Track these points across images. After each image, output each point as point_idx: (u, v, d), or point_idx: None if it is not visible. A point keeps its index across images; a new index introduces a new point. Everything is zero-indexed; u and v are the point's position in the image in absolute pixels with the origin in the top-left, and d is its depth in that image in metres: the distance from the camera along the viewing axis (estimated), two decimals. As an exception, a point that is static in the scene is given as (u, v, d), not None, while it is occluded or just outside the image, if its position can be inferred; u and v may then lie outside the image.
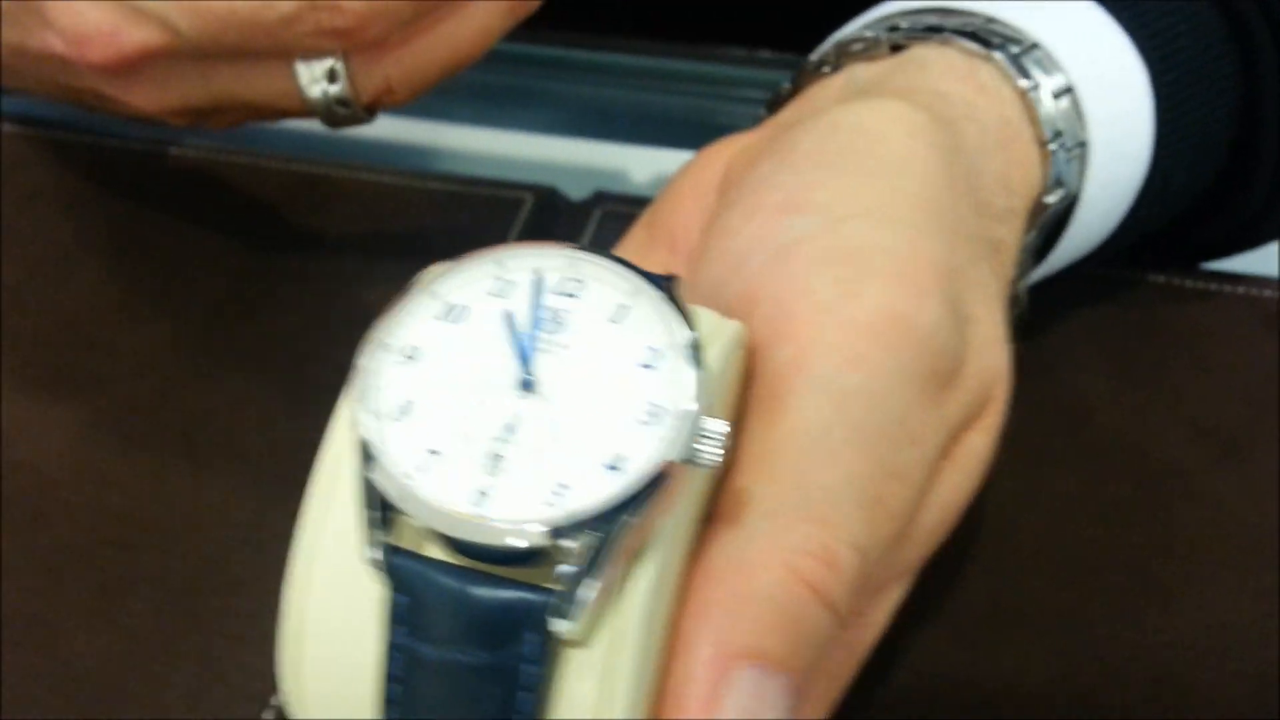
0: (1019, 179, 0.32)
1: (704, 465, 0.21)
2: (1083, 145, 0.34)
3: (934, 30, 0.34)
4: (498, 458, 0.22)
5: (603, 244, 0.46)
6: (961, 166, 0.29)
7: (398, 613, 0.22)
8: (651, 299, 0.23)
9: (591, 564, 0.21)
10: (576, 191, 0.50)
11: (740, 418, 0.26)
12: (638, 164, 0.55)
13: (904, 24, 0.34)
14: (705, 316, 0.24)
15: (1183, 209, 0.41)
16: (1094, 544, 0.36)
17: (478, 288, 0.24)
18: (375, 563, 0.22)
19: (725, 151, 0.34)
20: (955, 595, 0.35)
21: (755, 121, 0.37)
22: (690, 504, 0.24)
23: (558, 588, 0.21)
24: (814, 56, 0.37)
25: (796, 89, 0.37)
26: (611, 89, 0.58)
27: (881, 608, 0.28)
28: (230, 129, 0.40)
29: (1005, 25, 0.34)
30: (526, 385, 0.22)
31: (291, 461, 0.40)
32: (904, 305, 0.25)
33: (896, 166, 0.27)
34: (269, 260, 0.46)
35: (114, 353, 0.43)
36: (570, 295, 0.23)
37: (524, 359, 0.22)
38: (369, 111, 0.37)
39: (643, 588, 0.22)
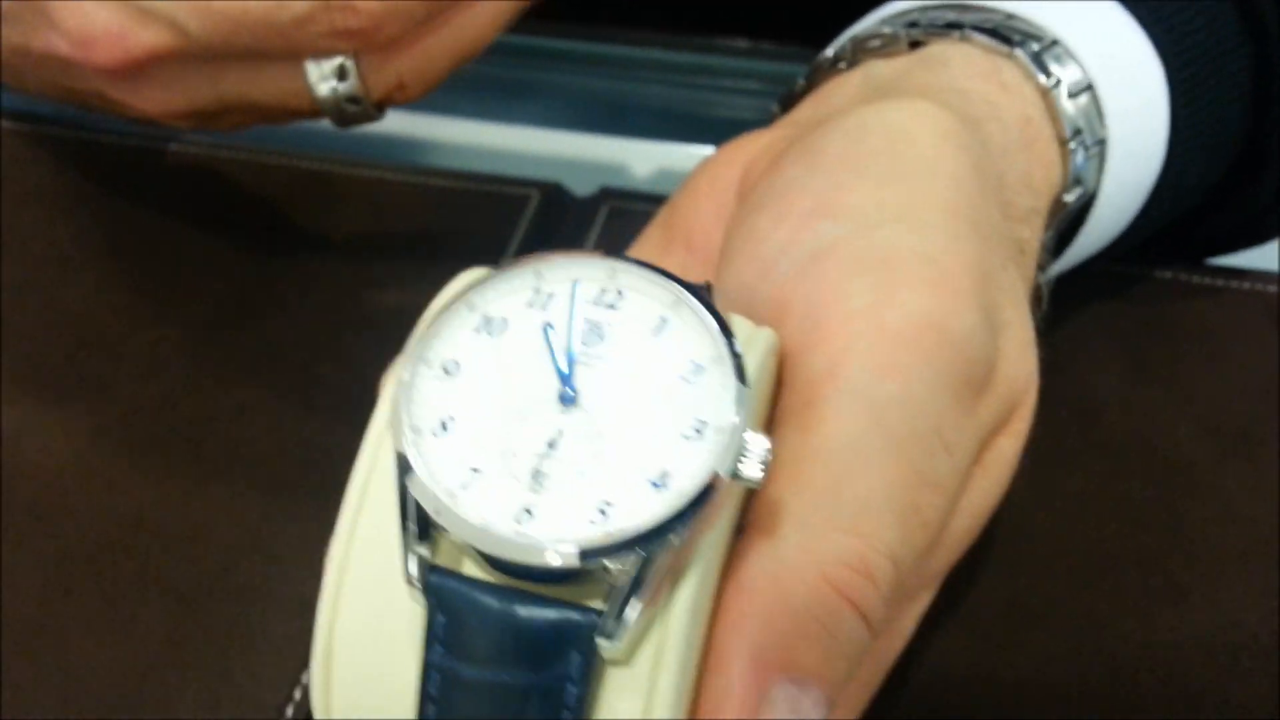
0: (1040, 178, 0.32)
1: (748, 481, 0.21)
2: (1101, 143, 0.34)
3: (953, 26, 0.33)
4: (540, 475, 0.21)
5: (611, 241, 0.46)
6: (988, 168, 0.29)
7: (434, 631, 0.22)
8: (692, 310, 0.22)
9: (636, 582, 0.21)
10: (579, 186, 0.49)
11: (772, 426, 0.25)
12: (640, 158, 0.55)
13: (922, 20, 0.34)
14: (739, 324, 0.24)
15: (1192, 204, 0.41)
16: (1107, 542, 0.36)
17: (516, 299, 0.23)
18: (413, 581, 0.22)
19: (743, 151, 0.34)
20: (973, 594, 0.35)
21: (760, 115, 0.37)
22: (727, 516, 0.23)
23: (602, 606, 0.21)
24: (829, 52, 0.36)
25: (811, 85, 0.37)
26: (612, 82, 0.58)
27: (910, 615, 0.28)
28: (235, 131, 0.40)
29: (1025, 21, 0.33)
30: (568, 400, 0.22)
31: (300, 465, 0.39)
32: (939, 312, 0.25)
33: (927, 170, 0.27)
34: (273, 259, 0.45)
35: (118, 355, 0.42)
36: (610, 307, 0.23)
37: (565, 373, 0.22)
38: (379, 108, 0.37)
39: (685, 605, 0.22)
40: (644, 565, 0.21)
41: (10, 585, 0.36)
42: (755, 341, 0.24)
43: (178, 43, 0.32)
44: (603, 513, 0.21)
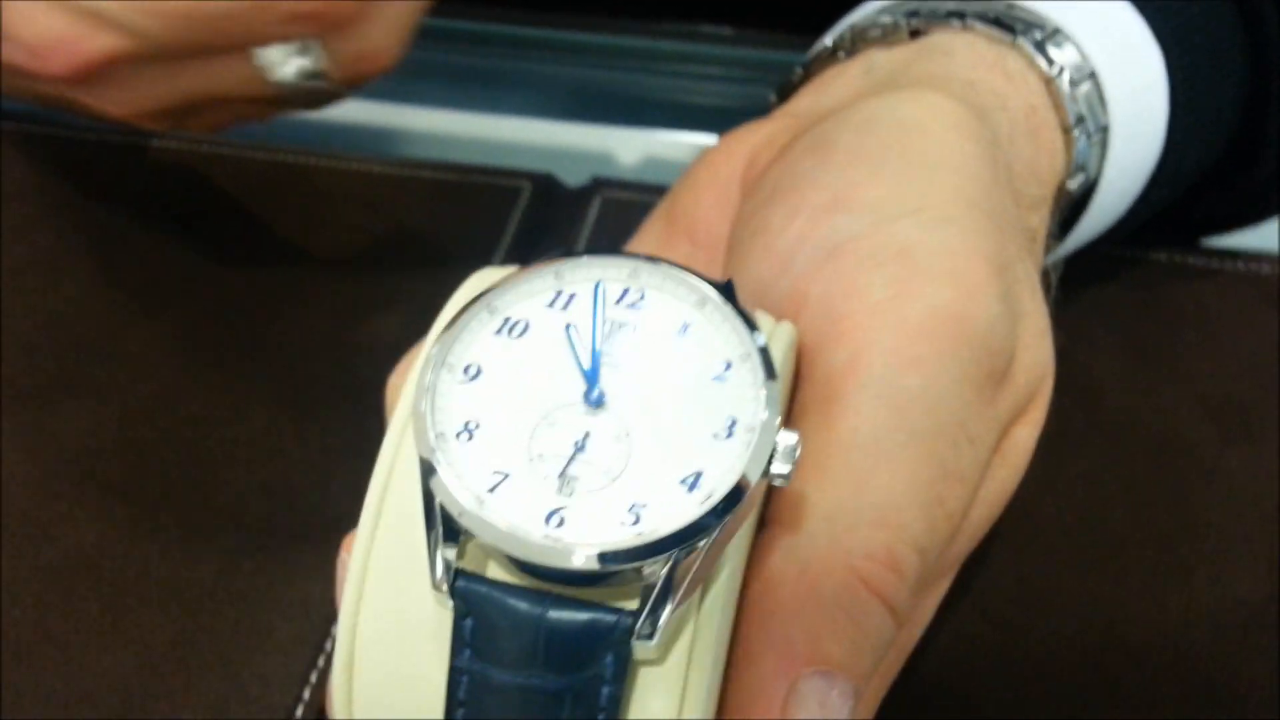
0: (1046, 166, 0.32)
1: (779, 478, 0.21)
2: (1104, 130, 0.34)
3: (954, 16, 0.33)
4: (569, 478, 0.21)
5: (607, 231, 0.46)
6: (999, 158, 0.29)
7: (462, 635, 0.21)
8: (718, 308, 0.22)
9: (669, 583, 0.20)
10: (567, 176, 0.49)
11: (791, 421, 0.25)
12: (627, 147, 0.55)
13: (922, 9, 0.34)
14: (761, 320, 0.24)
15: (1189, 187, 0.41)
16: (1114, 524, 0.37)
17: (536, 301, 0.23)
18: (440, 585, 0.21)
19: (744, 142, 0.33)
20: (981, 577, 0.35)
21: (746, 102, 0.36)
22: (754, 513, 0.23)
23: (633, 607, 0.21)
24: (827, 41, 0.36)
25: (809, 75, 0.36)
26: (597, 71, 0.58)
27: (929, 603, 0.28)
28: (212, 132, 0.39)
29: (1026, 10, 0.33)
30: (595, 402, 0.22)
31: (299, 464, 0.39)
32: (960, 304, 0.25)
33: (941, 162, 0.27)
34: (264, 256, 0.45)
35: (109, 357, 0.42)
36: (633, 307, 0.23)
37: (590, 374, 0.22)
38: (348, 85, 0.36)
39: (716, 603, 0.22)
40: (677, 566, 0.20)
41: (9, 592, 0.36)
42: (776, 337, 0.24)
43: (132, 45, 0.32)
44: (635, 515, 0.21)
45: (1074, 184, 0.34)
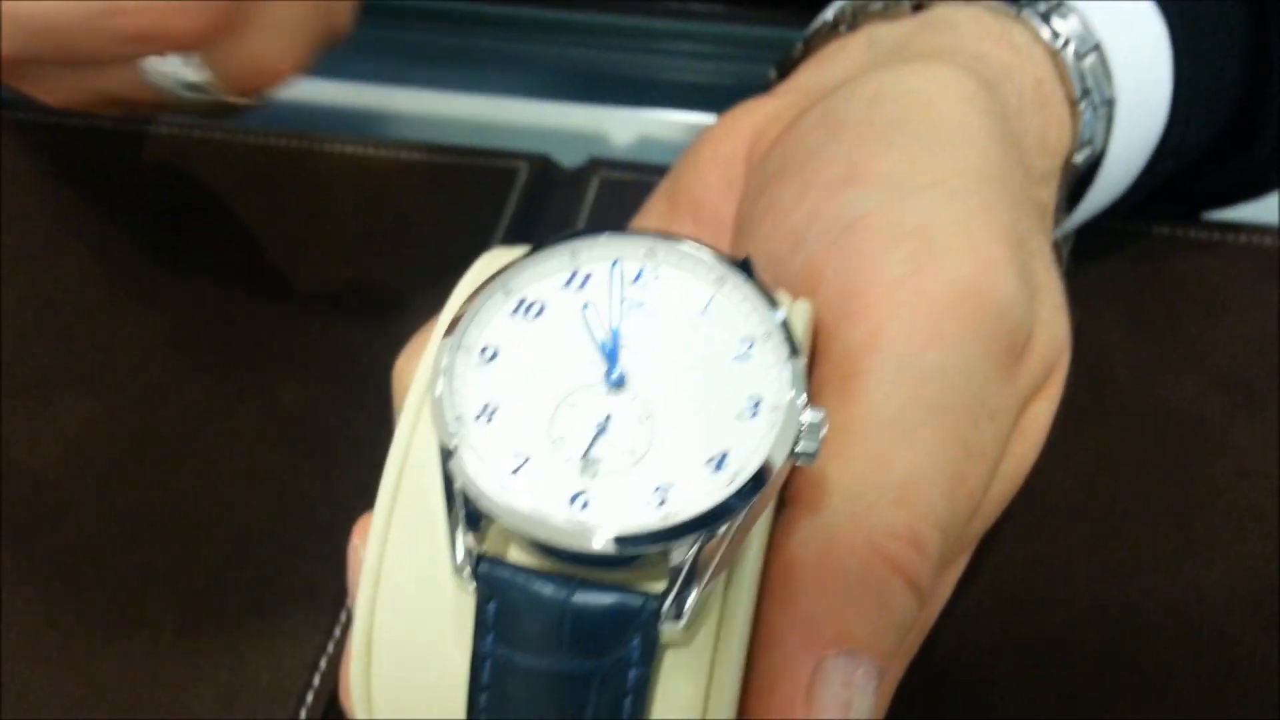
0: (1054, 139, 0.32)
1: (807, 456, 0.21)
2: (1109, 103, 0.34)
3: None
4: (592, 460, 0.21)
5: (606, 211, 0.45)
6: (1010, 132, 0.29)
7: (485, 620, 0.21)
8: (738, 285, 0.22)
9: (696, 564, 0.20)
10: (563, 157, 0.48)
11: (809, 400, 0.25)
12: (623, 127, 0.54)
13: (924, -19, 0.34)
14: (779, 298, 0.24)
15: (1191, 161, 0.41)
16: (1124, 499, 0.36)
17: (552, 281, 0.23)
18: (461, 569, 0.21)
19: (747, 119, 0.33)
20: (994, 555, 0.35)
21: (738, 80, 0.36)
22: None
23: (659, 589, 0.20)
24: (828, 15, 0.36)
25: (809, 50, 0.36)
26: (590, 50, 0.57)
27: (947, 581, 0.28)
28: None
29: (1029, -18, 0.33)
30: (615, 383, 0.21)
31: (301, 450, 0.39)
32: (979, 279, 0.24)
33: (954, 136, 0.27)
34: (258, 241, 0.44)
35: (104, 346, 0.41)
36: (652, 286, 0.22)
37: (610, 355, 0.22)
38: (245, 95, 0.35)
39: (743, 585, 0.21)
40: (704, 547, 0.20)
41: (10, 584, 0.35)
42: (794, 315, 0.24)
43: (10, 49, 0.32)
44: (661, 497, 0.20)
45: (1080, 158, 0.34)
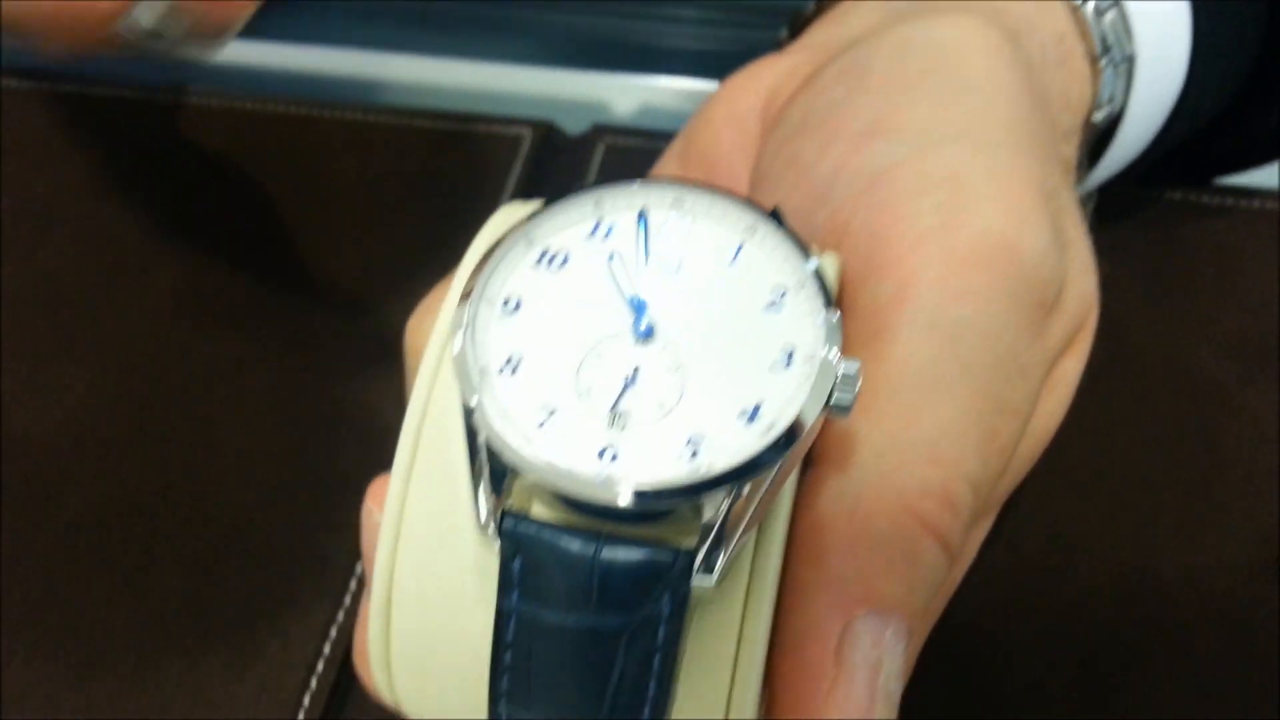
0: (1076, 96, 0.31)
1: (842, 409, 0.20)
2: (1129, 60, 0.33)
3: None
4: (620, 412, 0.20)
5: (610, 178, 0.45)
6: (1036, 84, 0.28)
7: (510, 577, 0.20)
8: (769, 233, 0.21)
9: (728, 518, 0.20)
10: (568, 124, 0.48)
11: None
12: (626, 94, 0.53)
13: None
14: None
15: (1205, 124, 0.40)
16: (1143, 465, 0.36)
17: (576, 231, 0.22)
18: (485, 526, 0.21)
19: (763, 76, 0.32)
20: (1012, 521, 0.35)
21: (743, 45, 0.35)
22: (804, 448, 0.22)
23: (692, 544, 0.20)
24: (841, -27, 0.35)
25: (821, 8, 0.35)
26: (592, 17, 0.56)
27: (974, 542, 0.28)
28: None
29: (1049, -64, 0.32)
30: (644, 334, 0.21)
31: (307, 417, 0.38)
32: (1011, 232, 0.24)
33: (981, 86, 0.26)
34: (260, 208, 0.44)
35: (104, 314, 0.41)
36: (680, 234, 0.22)
37: (637, 305, 0.21)
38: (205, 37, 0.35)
39: (773, 542, 0.21)
40: (737, 501, 0.20)
41: (13, 555, 0.35)
42: (823, 268, 0.23)
43: None
44: (693, 449, 0.20)
45: (1100, 116, 0.33)
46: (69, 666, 0.32)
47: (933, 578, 0.23)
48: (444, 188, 0.44)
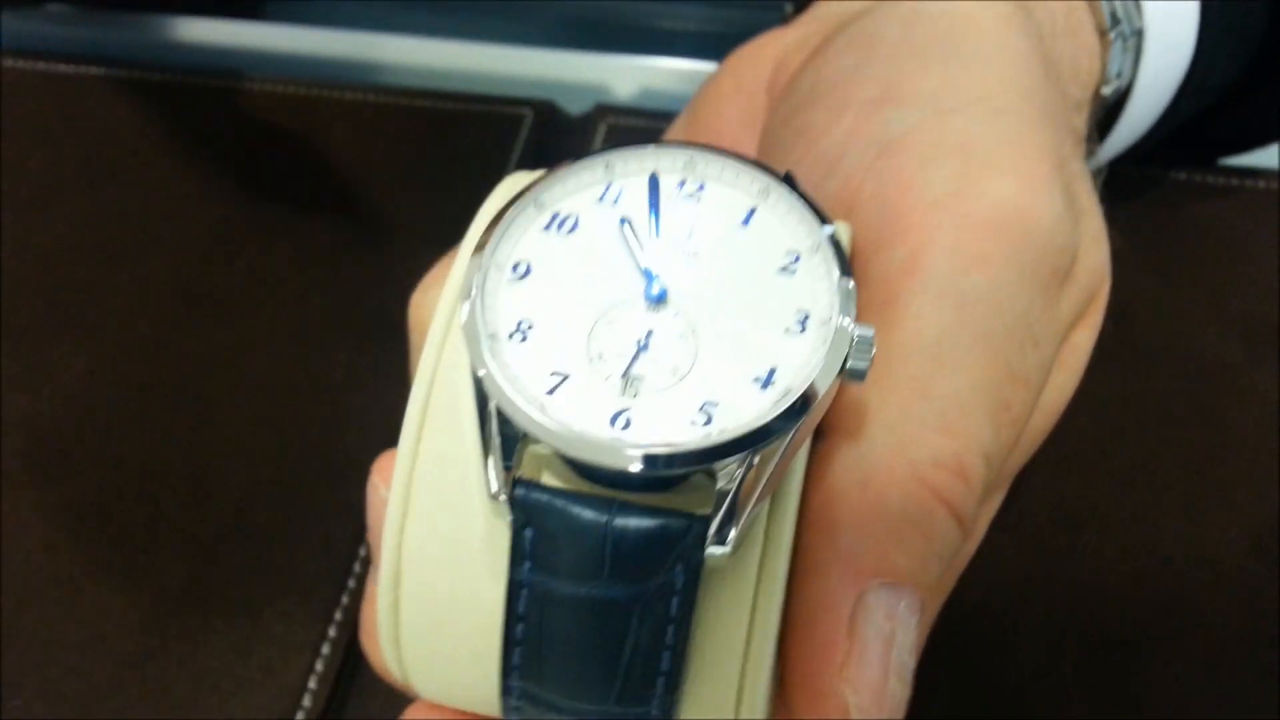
0: (1085, 69, 0.31)
1: (857, 375, 0.20)
2: (1138, 34, 0.33)
3: None
4: (633, 377, 0.20)
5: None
6: (1047, 54, 0.28)
7: (522, 547, 0.20)
8: (782, 197, 0.21)
9: (742, 486, 0.19)
10: (569, 105, 0.47)
11: None
12: (625, 76, 0.53)
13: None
14: None
15: (1210, 103, 0.40)
16: (1150, 445, 0.36)
17: (586, 195, 0.22)
18: (497, 495, 0.20)
19: (769, 48, 0.32)
20: (1019, 500, 0.34)
21: (749, 27, 0.35)
22: (816, 417, 0.22)
23: (706, 513, 0.19)
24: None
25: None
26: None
27: (986, 516, 0.27)
28: None
29: (1057, -92, 0.32)
30: (656, 298, 0.20)
31: (307, 397, 0.38)
32: (1024, 199, 0.23)
33: (993, 54, 0.26)
34: (260, 188, 0.43)
35: (101, 295, 0.40)
36: (692, 198, 0.21)
37: (649, 270, 0.21)
38: None
39: (786, 512, 0.20)
40: (751, 468, 0.19)
41: (12, 537, 0.34)
42: (837, 234, 0.23)
43: None
44: (707, 415, 0.19)
45: (1108, 90, 0.33)
46: (71, 650, 0.32)
47: (946, 550, 0.23)
48: (446, 168, 0.44)
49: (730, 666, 0.20)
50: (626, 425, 0.19)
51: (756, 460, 0.19)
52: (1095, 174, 0.32)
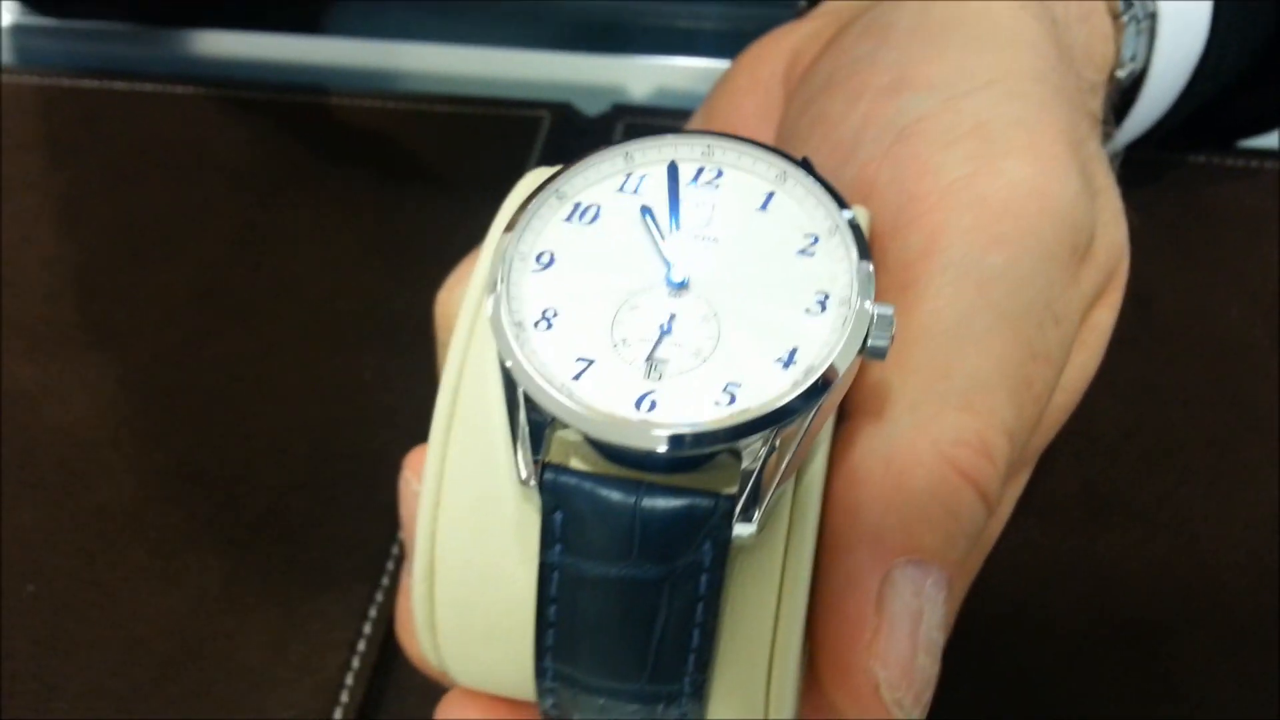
0: (1099, 52, 0.31)
1: (878, 353, 0.20)
2: (1152, 16, 0.33)
3: None
4: (657, 361, 0.20)
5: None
6: (1061, 38, 0.28)
7: (552, 530, 0.20)
8: (799, 180, 0.21)
9: (765, 466, 0.20)
10: (586, 107, 0.48)
11: None
12: (641, 77, 0.53)
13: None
14: None
15: (1226, 86, 0.40)
16: (1174, 426, 0.36)
17: (606, 185, 0.22)
18: (527, 480, 0.21)
19: (784, 42, 0.32)
20: (1045, 483, 0.34)
21: (764, 25, 0.35)
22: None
23: (732, 491, 0.20)
24: (859, -58, 0.35)
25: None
26: (606, 0, 0.56)
27: (1010, 497, 0.27)
28: None
29: (1068, -107, 0.32)
30: (677, 284, 0.21)
31: (336, 398, 0.38)
32: (1041, 179, 0.24)
33: (1007, 39, 0.26)
34: (282, 195, 0.44)
35: (130, 303, 0.41)
36: (711, 185, 0.22)
37: (670, 256, 0.21)
38: None
39: (811, 491, 0.21)
40: (775, 447, 0.20)
41: (49, 544, 0.35)
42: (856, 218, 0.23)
43: None
44: (730, 395, 0.20)
45: (1123, 73, 0.33)
46: (111, 652, 0.33)
47: (971, 528, 0.23)
48: (466, 171, 0.44)
49: (760, 645, 0.21)
50: (652, 407, 0.20)
51: (780, 439, 0.20)
52: (1112, 158, 0.33)
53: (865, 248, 0.21)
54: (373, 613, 0.33)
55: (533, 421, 0.21)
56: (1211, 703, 0.31)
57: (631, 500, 0.20)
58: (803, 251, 0.21)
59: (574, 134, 0.46)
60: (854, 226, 0.21)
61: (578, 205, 0.22)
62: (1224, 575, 0.33)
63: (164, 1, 0.53)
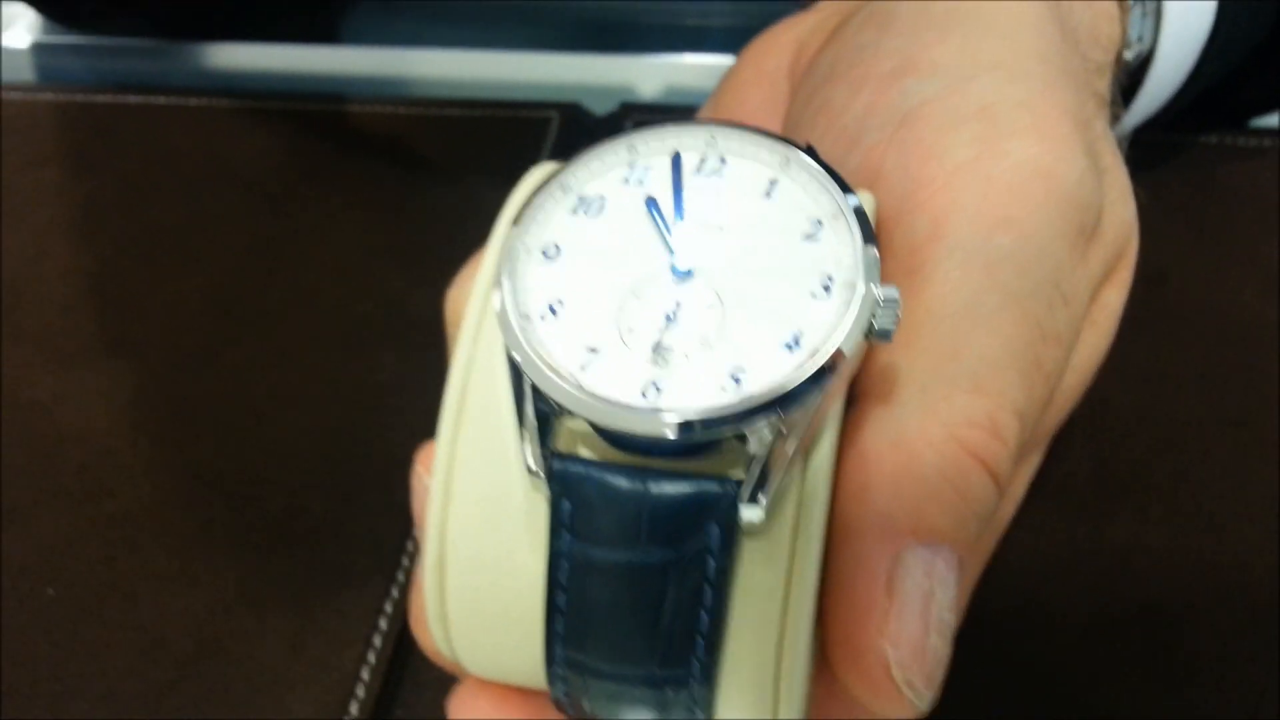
0: (1105, 33, 0.31)
1: (883, 335, 0.20)
2: (1157, -2, 0.33)
3: None
4: (663, 349, 0.20)
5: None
6: (1065, 20, 0.28)
7: (561, 518, 0.21)
8: (803, 167, 0.21)
9: (772, 450, 0.20)
10: (595, 107, 0.48)
11: None
12: (649, 75, 0.53)
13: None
14: None
15: (1235, 66, 0.40)
16: (1189, 407, 0.36)
17: (611, 176, 0.22)
18: (535, 469, 0.21)
19: (789, 35, 0.32)
20: (1058, 466, 0.34)
21: (770, 22, 0.35)
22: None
23: (739, 475, 0.20)
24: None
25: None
26: (612, 0, 0.56)
27: (1022, 477, 0.27)
28: None
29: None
30: (681, 272, 0.21)
31: (353, 400, 0.38)
32: (1047, 159, 0.24)
33: (1010, 22, 0.26)
34: (298, 202, 0.44)
35: (146, 312, 0.41)
36: (714, 174, 0.22)
37: (674, 244, 0.21)
38: None
39: (819, 474, 0.21)
40: (781, 431, 0.20)
41: (70, 549, 0.35)
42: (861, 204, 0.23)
43: None
44: (736, 379, 0.20)
45: (1130, 54, 0.33)
46: (131, 654, 0.33)
47: (983, 509, 0.23)
48: (477, 173, 0.44)
49: (769, 628, 0.21)
50: (659, 393, 0.20)
51: (786, 424, 0.20)
52: (1120, 142, 0.33)
53: (870, 231, 0.21)
54: (388, 608, 0.33)
55: (540, 412, 0.21)
56: (1231, 687, 0.30)
57: (639, 486, 0.20)
58: (807, 237, 0.21)
59: (583, 134, 0.46)
60: (858, 211, 0.21)
61: (583, 197, 0.22)
62: (1241, 557, 0.33)
63: (181, 13, 0.54)
